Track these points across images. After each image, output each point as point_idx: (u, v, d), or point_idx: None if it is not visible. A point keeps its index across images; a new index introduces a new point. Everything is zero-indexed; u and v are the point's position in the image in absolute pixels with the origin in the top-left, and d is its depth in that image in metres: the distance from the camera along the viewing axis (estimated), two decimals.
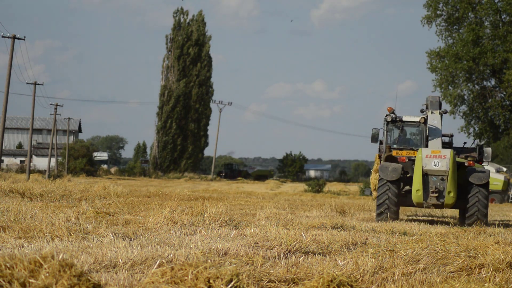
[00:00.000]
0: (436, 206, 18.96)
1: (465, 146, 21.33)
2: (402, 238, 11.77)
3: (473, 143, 21.57)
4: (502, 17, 61.95)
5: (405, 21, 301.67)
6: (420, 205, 19.09)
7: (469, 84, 63.44)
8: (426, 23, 64.24)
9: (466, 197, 19.12)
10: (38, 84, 60.25)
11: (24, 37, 47.52)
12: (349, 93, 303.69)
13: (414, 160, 19.39)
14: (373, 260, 8.83)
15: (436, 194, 18.72)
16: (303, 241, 10.25)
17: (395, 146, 20.37)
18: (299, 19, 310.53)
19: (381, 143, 21.76)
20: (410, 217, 21.58)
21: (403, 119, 20.56)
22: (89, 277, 6.10)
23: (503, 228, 16.12)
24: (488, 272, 8.41)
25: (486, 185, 19.15)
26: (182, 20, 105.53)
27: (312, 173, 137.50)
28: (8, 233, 10.29)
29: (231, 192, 41.24)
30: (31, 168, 68.41)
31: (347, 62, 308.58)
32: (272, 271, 7.75)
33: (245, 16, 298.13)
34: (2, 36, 46.86)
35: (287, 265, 8.45)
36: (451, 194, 18.67)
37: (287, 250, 9.80)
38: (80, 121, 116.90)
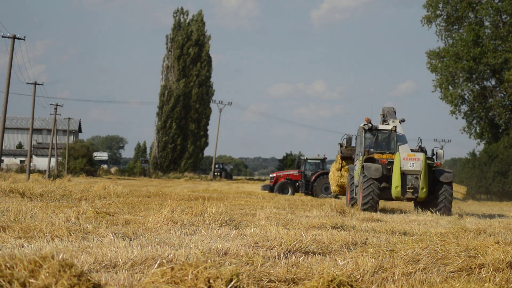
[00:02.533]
0: (411, 199, 23.42)
1: (417, 148, 24.79)
2: (402, 238, 11.77)
3: (419, 145, 24.94)
4: (503, 17, 61.95)
5: (405, 21, 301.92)
6: (398, 199, 23.49)
7: (469, 84, 63.41)
8: (426, 23, 64.25)
9: (434, 192, 23.44)
10: (38, 84, 60.27)
11: (24, 37, 47.55)
12: (349, 93, 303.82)
13: (392, 162, 23.48)
14: (373, 260, 8.83)
15: (412, 190, 23.03)
16: (303, 241, 10.26)
17: (372, 150, 24.30)
18: (299, 19, 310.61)
19: (348, 146, 26.74)
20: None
21: (379, 128, 24.62)
22: (89, 277, 6.10)
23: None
24: (488, 272, 8.41)
25: (451, 183, 23.63)
26: (182, 20, 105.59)
27: None
28: (8, 233, 10.29)
29: (231, 192, 41.23)
30: (31, 168, 68.42)
31: (347, 62, 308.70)
32: (272, 271, 7.75)
33: (245, 16, 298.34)
34: (2, 36, 46.89)
35: (287, 265, 8.45)
36: (424, 190, 23.01)
37: (287, 250, 9.80)
38: (80, 121, 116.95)
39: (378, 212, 22.05)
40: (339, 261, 8.81)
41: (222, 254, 9.06)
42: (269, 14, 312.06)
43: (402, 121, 24.91)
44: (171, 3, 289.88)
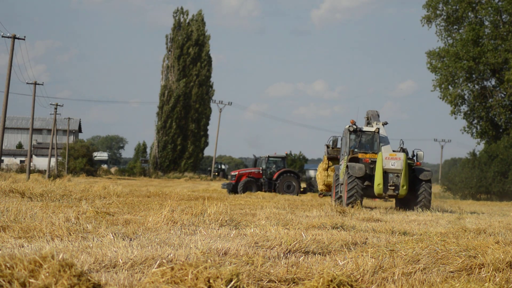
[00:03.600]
0: (392, 196, 24.87)
1: (399, 149, 26.13)
2: (402, 238, 11.77)
3: (399, 147, 26.33)
4: (503, 16, 61.92)
5: (406, 21, 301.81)
6: (380, 196, 25.07)
7: (469, 84, 63.38)
8: (425, 23, 64.24)
9: (414, 189, 24.87)
10: (38, 84, 60.27)
11: (24, 37, 47.54)
12: (350, 93, 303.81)
13: (375, 161, 24.81)
14: (373, 260, 8.83)
15: (393, 187, 24.43)
16: (303, 241, 10.25)
17: (356, 150, 25.77)
18: (300, 19, 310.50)
19: (334, 147, 28.65)
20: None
21: (363, 129, 26.15)
22: (89, 277, 6.10)
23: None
24: (488, 272, 8.41)
25: (430, 181, 24.99)
26: (182, 20, 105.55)
27: (312, 173, 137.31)
28: (8, 233, 10.29)
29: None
30: (31, 168, 68.42)
31: (347, 62, 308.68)
32: (272, 271, 7.75)
33: (245, 16, 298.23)
34: (2, 36, 46.88)
35: (287, 265, 8.45)
36: (404, 187, 24.43)
37: (287, 250, 9.80)
38: (80, 121, 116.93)
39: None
40: (339, 261, 8.81)
41: (222, 254, 9.06)
42: (269, 14, 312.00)
43: (385, 123, 26.66)
44: (171, 3, 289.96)
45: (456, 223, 17.48)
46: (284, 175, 43.43)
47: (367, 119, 27.75)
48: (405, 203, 25.48)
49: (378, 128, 25.99)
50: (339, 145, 28.34)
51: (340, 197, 25.66)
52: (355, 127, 25.98)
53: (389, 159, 24.50)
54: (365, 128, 26.30)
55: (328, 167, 32.13)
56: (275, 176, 43.42)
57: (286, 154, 46.44)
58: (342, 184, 25.66)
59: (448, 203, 37.00)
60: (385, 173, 24.47)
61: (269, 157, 44.59)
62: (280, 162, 44.82)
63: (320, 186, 32.92)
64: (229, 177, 45.18)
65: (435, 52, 63.11)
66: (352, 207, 22.96)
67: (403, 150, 25.89)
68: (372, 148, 25.91)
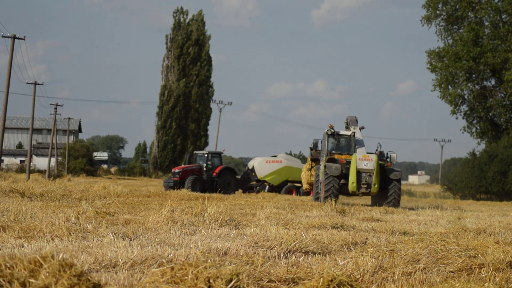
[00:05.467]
0: (365, 194, 27.19)
1: (376, 152, 28.49)
2: (402, 238, 11.77)
3: (377, 149, 28.75)
4: (502, 16, 61.90)
5: (406, 21, 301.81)
6: (354, 193, 27.35)
7: (469, 84, 63.36)
8: (425, 22, 64.22)
9: (385, 187, 27.28)
10: (38, 84, 60.25)
11: (24, 37, 47.51)
12: (350, 93, 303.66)
13: (350, 162, 27.27)
14: (373, 259, 8.83)
15: (366, 185, 26.78)
16: (303, 241, 10.25)
17: (333, 152, 28.28)
18: (300, 19, 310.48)
19: (315, 149, 31.25)
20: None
21: (340, 133, 28.71)
22: (89, 277, 6.10)
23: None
24: (488, 272, 8.40)
25: (399, 180, 27.44)
26: (182, 20, 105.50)
27: None
28: (8, 233, 10.29)
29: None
30: (31, 168, 68.40)
31: (347, 62, 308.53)
32: (272, 270, 7.75)
33: (245, 16, 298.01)
34: (2, 36, 46.85)
35: (287, 265, 8.45)
36: (376, 186, 26.77)
37: (287, 249, 9.80)
38: (80, 121, 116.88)
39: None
40: (339, 261, 8.81)
41: (222, 254, 9.05)
42: (269, 14, 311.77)
43: (361, 128, 29.20)
44: (171, 3, 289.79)
45: (456, 223, 17.48)
46: (223, 172, 42.91)
47: (347, 124, 30.11)
48: (379, 200, 27.55)
49: (354, 132, 28.56)
50: (319, 148, 30.86)
51: (319, 193, 28.32)
52: (332, 131, 28.57)
53: (362, 160, 26.87)
54: (342, 132, 28.85)
55: (312, 167, 35.03)
56: (215, 173, 42.57)
57: (223, 150, 46.24)
58: (321, 182, 27.90)
59: (448, 203, 36.99)
60: (359, 172, 26.86)
61: (209, 153, 43.62)
62: (218, 158, 43.79)
63: (305, 185, 36.03)
64: (171, 174, 43.13)
65: (435, 52, 63.10)
66: (331, 200, 24.78)
67: (381, 152, 28.33)
68: (348, 150, 28.45)
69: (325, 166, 27.36)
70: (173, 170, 43.52)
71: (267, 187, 44.16)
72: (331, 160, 27.92)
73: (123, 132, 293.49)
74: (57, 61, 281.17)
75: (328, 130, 28.64)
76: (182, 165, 44.61)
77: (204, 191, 40.52)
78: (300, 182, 43.29)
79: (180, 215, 13.20)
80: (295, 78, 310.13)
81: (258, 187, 44.18)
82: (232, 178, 43.31)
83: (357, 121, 29.88)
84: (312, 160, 33.04)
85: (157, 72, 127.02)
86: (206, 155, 43.49)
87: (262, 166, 44.58)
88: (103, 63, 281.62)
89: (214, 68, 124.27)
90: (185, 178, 42.15)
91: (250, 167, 45.02)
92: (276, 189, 43.97)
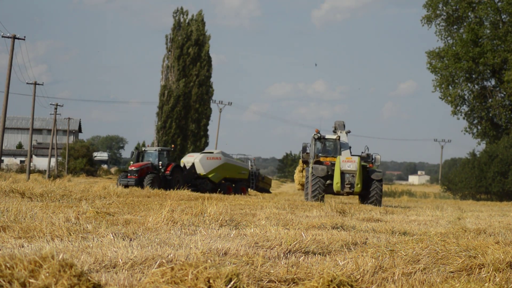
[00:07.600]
0: (349, 193, 29.33)
1: (362, 154, 30.63)
2: (402, 238, 11.76)
3: (363, 152, 30.81)
4: (502, 17, 61.89)
5: (406, 21, 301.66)
6: (338, 193, 29.45)
7: (469, 84, 63.37)
8: (426, 22, 64.23)
9: (368, 187, 29.35)
10: (38, 84, 60.28)
11: (24, 37, 47.55)
12: (350, 93, 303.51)
13: (335, 164, 29.37)
14: (373, 260, 8.83)
15: (349, 186, 28.94)
16: (303, 241, 10.25)
17: (320, 154, 30.50)
18: (300, 19, 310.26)
19: (304, 152, 32.57)
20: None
21: (326, 137, 30.85)
22: (89, 277, 6.10)
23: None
24: (488, 272, 8.40)
25: (381, 180, 29.53)
26: (182, 20, 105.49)
27: None
28: (8, 233, 10.29)
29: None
30: (31, 168, 68.41)
31: (348, 62, 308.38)
32: (272, 271, 7.74)
33: (246, 16, 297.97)
34: (2, 36, 46.89)
35: (287, 265, 8.44)
36: (359, 186, 28.95)
37: (287, 250, 9.80)
38: (80, 121, 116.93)
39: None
40: (339, 261, 8.81)
41: (222, 254, 9.05)
42: (269, 14, 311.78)
43: (348, 132, 31.10)
44: (171, 3, 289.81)
45: (456, 223, 17.47)
46: (176, 170, 42.43)
47: (334, 128, 31.89)
48: (364, 199, 29.80)
49: (339, 136, 30.61)
50: (308, 151, 32.60)
51: (307, 193, 30.13)
52: (319, 135, 30.80)
53: (345, 162, 29.07)
54: (328, 136, 30.94)
55: (303, 169, 36.53)
56: (168, 171, 42.15)
57: (172, 147, 45.98)
58: (309, 183, 30.02)
59: (448, 203, 36.98)
60: (343, 173, 29.07)
61: (161, 150, 43.06)
62: (167, 156, 43.22)
63: (297, 186, 38.05)
64: (128, 172, 42.16)
65: (435, 52, 63.11)
66: (318, 200, 28.09)
67: (367, 154, 30.46)
68: (335, 152, 30.54)
69: (312, 167, 29.54)
70: (129, 168, 42.59)
71: (209, 184, 43.83)
72: (317, 162, 30.06)
73: (123, 132, 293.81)
74: (57, 61, 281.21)
75: (315, 134, 30.81)
76: (137, 163, 43.27)
77: (160, 188, 38.84)
78: (237, 179, 45.19)
79: (180, 215, 13.19)
80: (295, 78, 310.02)
81: (202, 185, 43.67)
82: (181, 175, 42.86)
83: (344, 125, 31.61)
84: (303, 162, 34.69)
85: (157, 72, 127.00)
86: (158, 152, 42.91)
87: (203, 163, 44.30)
88: (103, 63, 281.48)
89: (214, 68, 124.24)
90: (143, 176, 41.42)
91: (188, 164, 44.31)
92: (217, 186, 43.77)
